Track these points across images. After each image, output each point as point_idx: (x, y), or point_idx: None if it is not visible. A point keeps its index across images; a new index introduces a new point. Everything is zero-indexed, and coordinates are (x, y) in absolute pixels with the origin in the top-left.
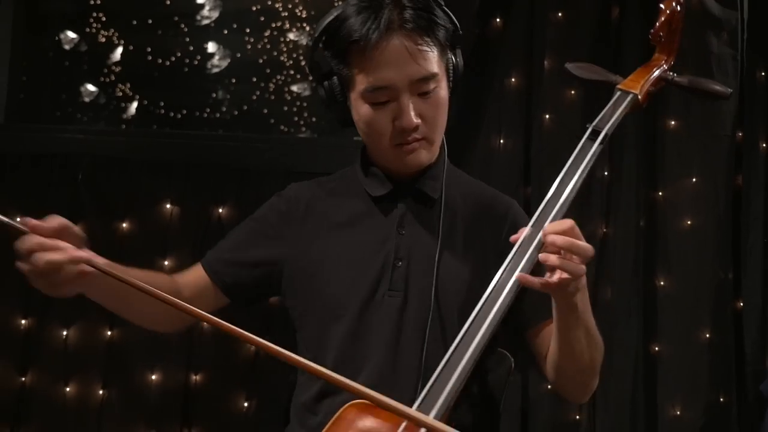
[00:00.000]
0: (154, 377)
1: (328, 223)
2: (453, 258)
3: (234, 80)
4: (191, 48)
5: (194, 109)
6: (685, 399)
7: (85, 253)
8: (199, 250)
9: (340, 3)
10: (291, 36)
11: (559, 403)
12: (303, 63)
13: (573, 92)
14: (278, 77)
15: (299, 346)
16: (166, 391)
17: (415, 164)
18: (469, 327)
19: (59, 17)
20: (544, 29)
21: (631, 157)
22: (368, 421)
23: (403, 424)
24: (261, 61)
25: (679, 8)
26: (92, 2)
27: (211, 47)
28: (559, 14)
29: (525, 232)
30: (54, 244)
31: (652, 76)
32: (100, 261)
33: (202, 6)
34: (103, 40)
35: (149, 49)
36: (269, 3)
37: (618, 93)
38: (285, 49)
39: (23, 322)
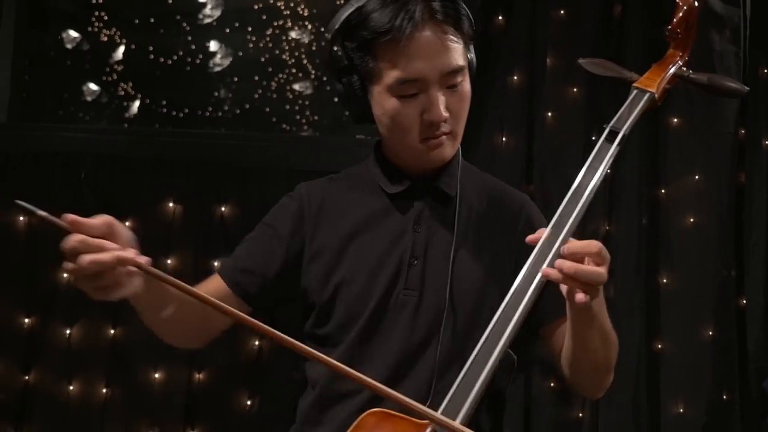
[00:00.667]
0: (157, 375)
1: (343, 220)
2: (468, 256)
3: (236, 79)
4: (193, 47)
5: (196, 108)
6: (688, 396)
7: (133, 254)
8: (201, 248)
9: (343, 1)
10: (293, 34)
11: (562, 401)
12: (305, 61)
13: (575, 90)
14: (280, 76)
15: (311, 340)
16: (169, 389)
17: (439, 159)
18: (492, 329)
19: (61, 16)
20: (547, 27)
21: (634, 154)
22: (388, 430)
23: (428, 429)
24: (263, 59)
25: (696, 3)
26: (94, 1)
27: (213, 46)
28: (561, 12)
29: (544, 234)
30: (100, 243)
31: (668, 74)
32: (145, 261)
33: (204, 5)
34: (105, 38)
35: (151, 48)
36: (271, 1)
37: (635, 92)
38: (287, 47)
39: (26, 320)
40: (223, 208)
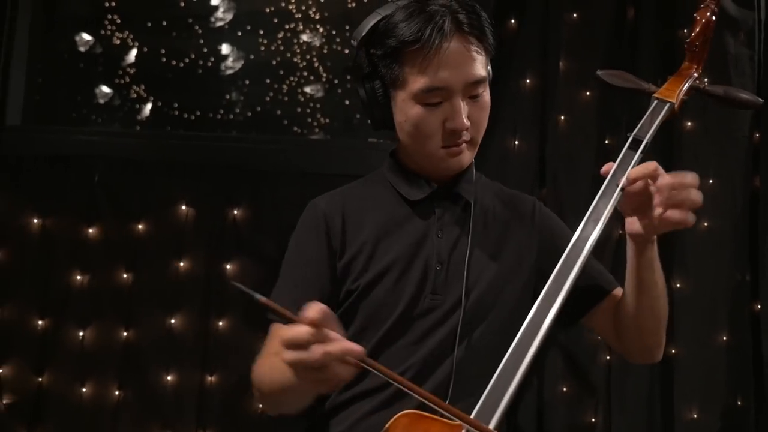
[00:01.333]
0: (169, 378)
1: (367, 231)
2: (487, 260)
3: (247, 82)
4: (205, 50)
5: (208, 111)
6: (702, 402)
7: (360, 348)
8: (214, 251)
9: (354, 5)
10: (304, 37)
11: (575, 405)
12: (316, 64)
13: (588, 93)
14: (291, 79)
15: None
16: (181, 391)
17: (457, 167)
18: (526, 328)
19: (75, 19)
20: (559, 30)
21: (647, 158)
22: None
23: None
24: (274, 62)
25: (714, 18)
26: (107, 4)
27: (225, 49)
28: (574, 15)
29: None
30: (327, 335)
31: (686, 86)
32: (361, 348)
33: (216, 8)
34: (118, 42)
35: (163, 51)
36: (283, 5)
37: (655, 102)
38: (298, 50)
39: (40, 322)
40: (235, 211)
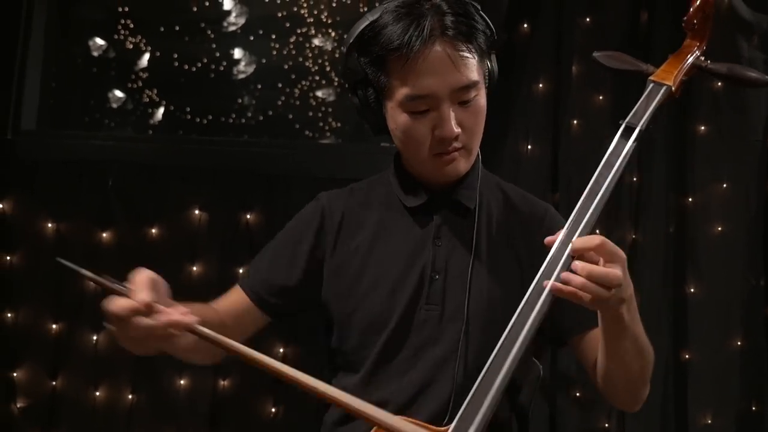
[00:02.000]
0: (182, 382)
1: (364, 233)
2: (489, 270)
3: (259, 86)
4: (217, 54)
5: (220, 115)
6: (716, 407)
7: (189, 318)
8: (226, 255)
9: (366, 9)
10: (316, 42)
11: (588, 411)
12: (328, 69)
13: (601, 97)
14: (303, 83)
15: (334, 355)
16: (194, 395)
17: (453, 174)
18: (504, 340)
19: (88, 24)
20: (572, 34)
21: (661, 162)
22: None
23: None
24: (286, 66)
25: None
26: (120, 9)
27: (237, 53)
28: (587, 19)
29: (560, 236)
30: (150, 308)
31: (686, 65)
32: (195, 319)
33: (228, 13)
34: (131, 46)
35: (176, 56)
36: (295, 9)
37: (651, 85)
38: (310, 54)
39: (54, 326)
40: (248, 216)
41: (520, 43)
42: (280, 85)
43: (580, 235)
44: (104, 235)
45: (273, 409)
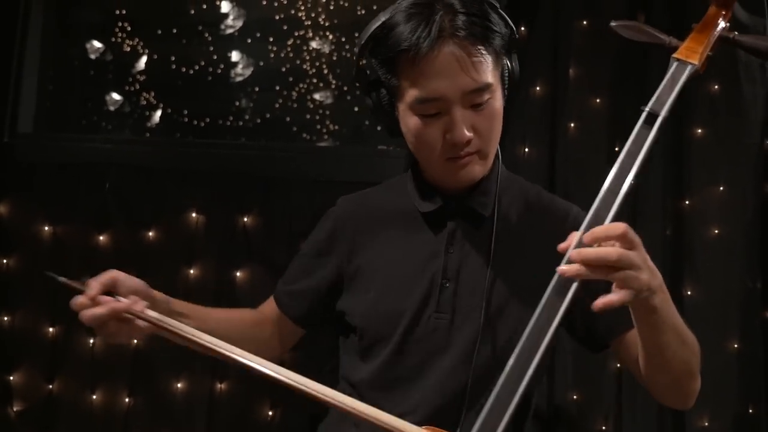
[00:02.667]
0: (179, 385)
1: (378, 239)
2: (504, 279)
3: (257, 89)
4: (215, 57)
5: (218, 118)
6: (713, 410)
7: (126, 304)
8: (224, 258)
9: (363, 12)
10: (314, 44)
11: (585, 413)
12: (326, 71)
13: (599, 101)
14: (301, 85)
15: (345, 360)
16: (191, 399)
17: (467, 179)
18: (522, 346)
19: (85, 27)
20: (569, 37)
21: (658, 165)
22: None
23: None
24: (284, 69)
25: None
26: (118, 12)
27: (235, 56)
28: (584, 22)
29: (575, 237)
30: (97, 299)
31: (712, 38)
32: (151, 313)
33: (226, 15)
34: (128, 49)
35: (173, 58)
36: (292, 12)
37: (675, 64)
38: (308, 57)
39: (51, 330)
40: (245, 218)
41: (518, 45)
42: (277, 88)
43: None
44: (101, 238)
45: (270, 413)
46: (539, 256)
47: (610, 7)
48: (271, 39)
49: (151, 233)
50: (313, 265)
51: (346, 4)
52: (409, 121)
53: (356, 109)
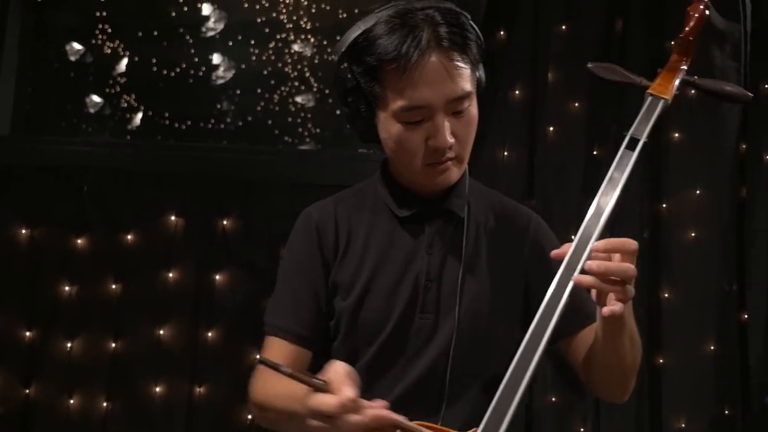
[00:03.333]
0: (158, 389)
1: (357, 245)
2: (479, 277)
3: (239, 91)
4: (196, 59)
5: (199, 120)
6: (690, 411)
7: (387, 412)
8: (203, 261)
9: (345, 15)
10: (296, 47)
11: (563, 415)
12: (308, 74)
13: (577, 105)
14: (283, 88)
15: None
16: (170, 403)
17: (445, 183)
18: (525, 347)
19: (65, 28)
20: (548, 42)
21: (635, 169)
22: None
23: None
24: (266, 72)
25: (707, 12)
26: (98, 14)
27: (216, 59)
28: (563, 27)
29: (571, 247)
30: (357, 404)
31: (678, 80)
32: (396, 415)
33: (207, 18)
34: (109, 51)
35: (154, 61)
36: (274, 15)
37: (650, 98)
38: (290, 60)
39: (27, 334)
40: (224, 222)
41: (497, 50)
42: (259, 91)
43: (588, 254)
44: (79, 241)
45: (249, 416)
46: (507, 257)
47: (588, 13)
48: (253, 42)
49: (129, 236)
50: (312, 283)
51: (328, 8)
52: (392, 128)
53: (338, 112)
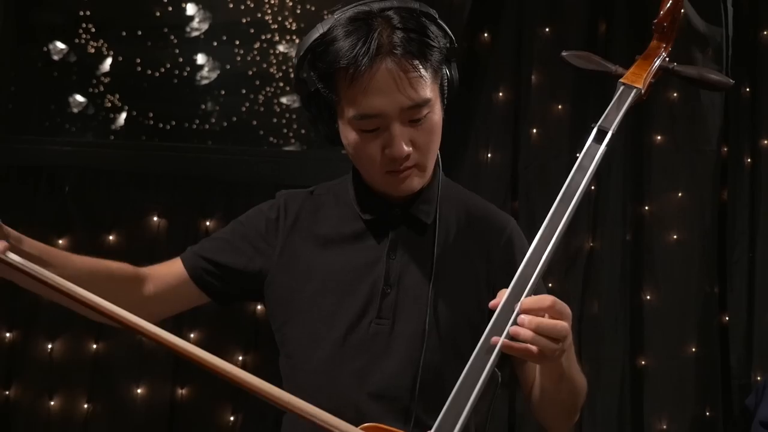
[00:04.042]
0: (139, 391)
1: (316, 238)
2: (445, 285)
3: (223, 92)
4: (181, 59)
5: (183, 121)
6: (671, 413)
7: None
8: None
9: (328, 16)
10: (280, 48)
11: None
12: (292, 75)
13: (560, 107)
14: (267, 89)
15: (281, 361)
16: (151, 404)
17: (406, 191)
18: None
19: (48, 28)
20: (532, 44)
21: (618, 171)
22: None
23: None
24: (250, 73)
25: None
26: (82, 13)
27: (201, 59)
28: (547, 29)
29: (506, 294)
30: None
31: (654, 68)
32: (12, 256)
33: (191, 18)
34: (93, 50)
35: (138, 61)
36: (259, 15)
37: (621, 88)
38: (274, 61)
39: (8, 335)
40: (207, 223)
41: (480, 51)
42: (244, 91)
43: (555, 243)
44: (60, 241)
45: (232, 418)
46: (478, 265)
47: (572, 15)
48: (238, 42)
49: (112, 237)
50: (241, 247)
51: (313, 8)
52: (349, 136)
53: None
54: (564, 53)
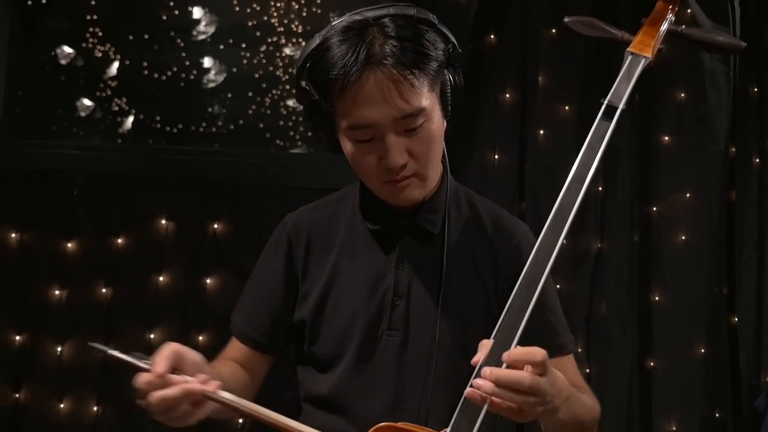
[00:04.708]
0: None
1: (330, 255)
2: (454, 294)
3: (230, 95)
4: (187, 63)
5: (190, 124)
6: (680, 414)
7: (199, 384)
8: (194, 265)
9: (336, 18)
10: (287, 51)
11: None
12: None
13: (567, 108)
14: (274, 92)
15: (299, 374)
16: None
17: (407, 201)
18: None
19: (55, 32)
20: (538, 45)
21: (626, 172)
22: None
23: None
24: (257, 75)
25: None
26: (88, 17)
27: (207, 62)
28: (553, 30)
29: (489, 345)
30: (166, 380)
31: (662, 32)
32: (214, 386)
33: (198, 21)
34: (100, 54)
35: (145, 64)
36: (265, 18)
37: (630, 57)
38: (281, 63)
39: (17, 338)
40: (215, 225)
41: (487, 53)
42: (250, 94)
43: (565, 231)
44: (69, 245)
45: (240, 420)
46: (486, 274)
47: (577, 16)
48: (244, 45)
49: (120, 240)
50: (270, 292)
51: (319, 11)
52: (346, 146)
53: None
54: (566, 19)
